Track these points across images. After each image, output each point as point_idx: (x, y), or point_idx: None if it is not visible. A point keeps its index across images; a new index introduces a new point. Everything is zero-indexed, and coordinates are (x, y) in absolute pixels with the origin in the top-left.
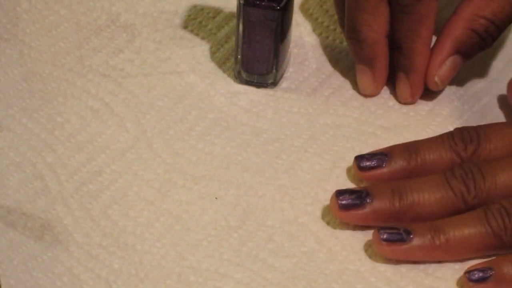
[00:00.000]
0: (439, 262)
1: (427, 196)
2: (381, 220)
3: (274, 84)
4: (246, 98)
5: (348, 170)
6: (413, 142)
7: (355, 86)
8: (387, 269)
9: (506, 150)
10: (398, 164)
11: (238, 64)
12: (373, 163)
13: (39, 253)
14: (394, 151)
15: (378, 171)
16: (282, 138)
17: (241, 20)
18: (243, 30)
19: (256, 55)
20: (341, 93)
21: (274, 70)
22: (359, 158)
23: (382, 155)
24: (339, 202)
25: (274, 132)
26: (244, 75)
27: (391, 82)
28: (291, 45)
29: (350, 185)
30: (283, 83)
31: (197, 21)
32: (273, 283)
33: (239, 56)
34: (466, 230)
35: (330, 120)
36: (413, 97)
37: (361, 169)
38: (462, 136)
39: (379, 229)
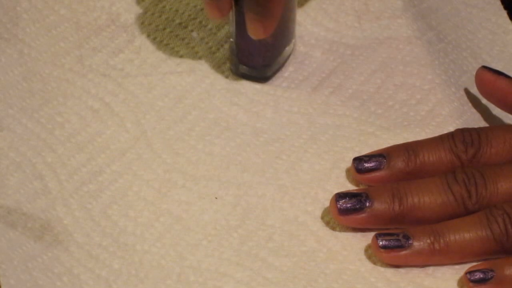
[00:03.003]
0: None
1: (428, 200)
2: (381, 223)
3: (267, 78)
4: (246, 98)
5: (348, 170)
6: (412, 143)
7: (355, 85)
8: (387, 269)
9: (507, 155)
10: (396, 166)
11: (234, 57)
12: (371, 165)
13: (39, 253)
14: (392, 152)
15: (377, 174)
16: (282, 138)
17: (234, 11)
18: (236, 22)
19: (249, 47)
20: (341, 92)
21: (268, 63)
22: (357, 161)
23: (380, 157)
24: (339, 206)
25: (274, 132)
26: (240, 68)
27: (391, 84)
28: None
29: (350, 185)
30: (283, 83)
31: (197, 21)
32: (273, 282)
33: (233, 48)
34: (467, 234)
35: (330, 120)
36: (266, 33)
37: (359, 171)
38: (463, 138)
39: (377, 235)
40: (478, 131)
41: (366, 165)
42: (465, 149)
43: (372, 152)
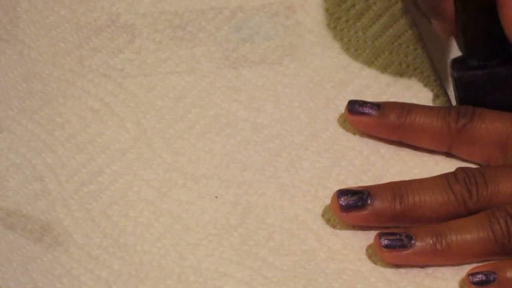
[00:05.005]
0: None
1: (428, 199)
2: (382, 221)
3: None
4: (246, 94)
5: (349, 168)
6: (410, 104)
7: (355, 81)
8: (387, 269)
9: (492, 134)
10: (388, 116)
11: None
12: (363, 110)
13: (38, 255)
14: (387, 105)
15: (366, 119)
16: (283, 134)
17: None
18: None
19: None
20: (342, 88)
21: None
22: (352, 102)
23: (375, 106)
24: (340, 203)
25: (274, 128)
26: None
27: (391, 81)
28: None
29: (351, 183)
30: (284, 79)
31: (197, 21)
32: (273, 282)
33: None
34: (468, 235)
35: (331, 116)
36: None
37: (350, 111)
38: (458, 110)
39: (380, 234)
40: (475, 108)
41: (359, 108)
42: (457, 118)
43: (370, 101)
